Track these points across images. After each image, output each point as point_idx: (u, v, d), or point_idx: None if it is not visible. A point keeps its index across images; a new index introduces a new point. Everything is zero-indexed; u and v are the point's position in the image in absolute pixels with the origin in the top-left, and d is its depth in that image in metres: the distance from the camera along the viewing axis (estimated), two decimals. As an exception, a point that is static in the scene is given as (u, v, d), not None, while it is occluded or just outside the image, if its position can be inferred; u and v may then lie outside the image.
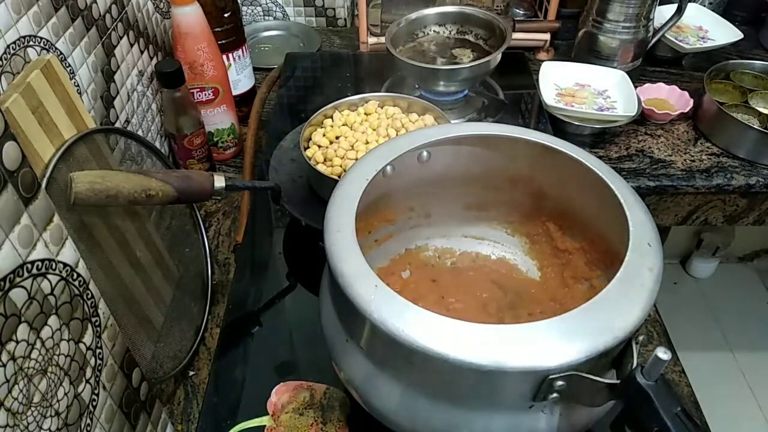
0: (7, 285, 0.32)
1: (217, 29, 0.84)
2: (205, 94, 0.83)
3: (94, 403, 0.42)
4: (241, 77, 0.94)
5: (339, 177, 0.67)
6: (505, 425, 0.43)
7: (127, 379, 0.46)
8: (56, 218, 0.37)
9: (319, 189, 0.72)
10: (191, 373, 0.65)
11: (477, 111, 0.96)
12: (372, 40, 1.10)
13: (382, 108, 0.76)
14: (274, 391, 0.58)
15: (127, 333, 0.56)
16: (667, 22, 1.02)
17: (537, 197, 0.59)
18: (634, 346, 0.40)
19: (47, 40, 0.56)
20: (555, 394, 0.40)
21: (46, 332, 0.36)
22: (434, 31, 1.00)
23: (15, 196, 0.33)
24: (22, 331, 0.34)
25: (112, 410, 0.44)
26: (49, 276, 0.36)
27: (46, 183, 0.49)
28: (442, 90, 0.93)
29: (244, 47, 0.92)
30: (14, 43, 0.51)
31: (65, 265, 0.38)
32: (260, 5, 1.21)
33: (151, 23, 0.82)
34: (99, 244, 0.54)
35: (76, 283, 0.39)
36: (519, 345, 0.38)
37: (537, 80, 0.98)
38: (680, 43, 1.05)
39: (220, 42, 0.84)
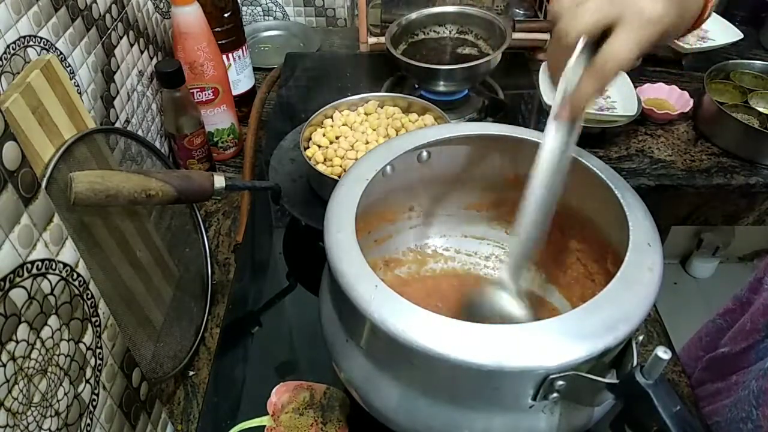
0: (7, 285, 0.32)
1: (217, 29, 0.84)
2: (205, 94, 0.83)
3: (94, 403, 0.42)
4: (241, 77, 0.94)
5: (339, 177, 0.67)
6: (505, 425, 0.43)
7: (127, 379, 0.46)
8: (56, 218, 0.37)
9: (319, 189, 0.72)
10: (191, 373, 0.65)
11: (477, 111, 0.96)
12: (372, 40, 1.10)
13: (382, 108, 0.76)
14: (274, 391, 0.58)
15: (127, 333, 0.56)
16: (667, 22, 1.02)
17: (537, 197, 0.59)
18: (634, 345, 0.40)
19: (47, 40, 0.56)
20: (555, 394, 0.40)
21: (46, 332, 0.36)
22: (434, 31, 1.00)
23: (15, 196, 0.33)
24: (22, 331, 0.34)
25: (112, 410, 0.44)
26: (49, 276, 0.36)
27: (46, 183, 0.49)
28: (442, 90, 0.93)
29: (244, 47, 0.92)
30: (14, 43, 0.51)
31: (65, 265, 0.38)
32: (260, 5, 1.21)
33: (151, 23, 0.82)
34: (99, 244, 0.54)
35: (76, 283, 0.39)
36: (519, 345, 0.38)
37: (537, 80, 0.98)
38: (680, 43, 1.05)
39: (220, 42, 0.84)
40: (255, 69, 1.00)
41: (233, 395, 0.62)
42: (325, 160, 0.71)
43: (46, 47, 0.56)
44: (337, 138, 0.73)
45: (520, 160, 0.57)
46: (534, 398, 0.40)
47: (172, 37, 0.80)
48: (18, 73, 0.51)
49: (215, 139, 0.89)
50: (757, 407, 0.59)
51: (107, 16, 0.68)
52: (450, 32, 1.00)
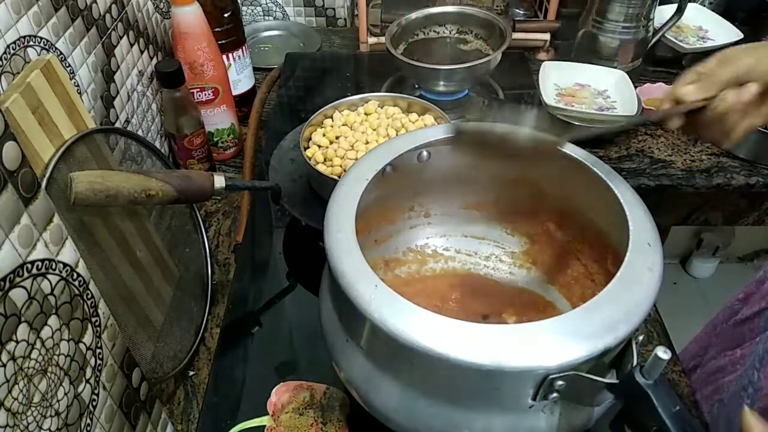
0: (7, 285, 0.32)
1: (217, 29, 0.84)
2: (205, 94, 0.83)
3: (94, 403, 0.42)
4: (241, 77, 0.94)
5: (339, 177, 0.67)
6: (505, 425, 0.43)
7: (127, 379, 0.46)
8: (56, 218, 0.37)
9: (319, 189, 0.72)
10: (191, 373, 0.65)
11: (477, 111, 0.96)
12: (372, 40, 1.10)
13: (382, 108, 0.76)
14: (274, 391, 0.58)
15: (127, 333, 0.56)
16: (667, 22, 1.02)
17: (537, 197, 0.59)
18: (633, 345, 0.40)
19: (47, 40, 0.56)
20: (555, 394, 0.40)
21: (46, 332, 0.36)
22: (434, 31, 1.00)
23: (15, 196, 0.33)
24: (22, 331, 0.34)
25: (112, 410, 0.44)
26: (49, 276, 0.36)
27: (46, 183, 0.49)
28: (442, 90, 0.93)
29: (244, 47, 0.92)
30: (14, 43, 0.51)
31: (65, 265, 0.38)
32: (260, 5, 1.21)
33: (151, 23, 0.82)
34: (99, 244, 0.54)
35: (76, 283, 0.39)
36: (519, 345, 0.38)
37: (537, 80, 0.98)
38: (680, 43, 1.05)
39: (220, 42, 0.84)
40: (255, 69, 1.00)
41: (233, 395, 0.62)
42: (325, 160, 0.71)
43: (46, 47, 0.56)
44: (337, 138, 0.73)
45: (520, 160, 0.57)
46: (534, 398, 0.40)
47: (172, 37, 0.80)
48: (18, 73, 0.51)
49: (215, 139, 0.89)
50: (760, 368, 0.59)
51: (107, 16, 0.68)
52: (450, 32, 1.00)
